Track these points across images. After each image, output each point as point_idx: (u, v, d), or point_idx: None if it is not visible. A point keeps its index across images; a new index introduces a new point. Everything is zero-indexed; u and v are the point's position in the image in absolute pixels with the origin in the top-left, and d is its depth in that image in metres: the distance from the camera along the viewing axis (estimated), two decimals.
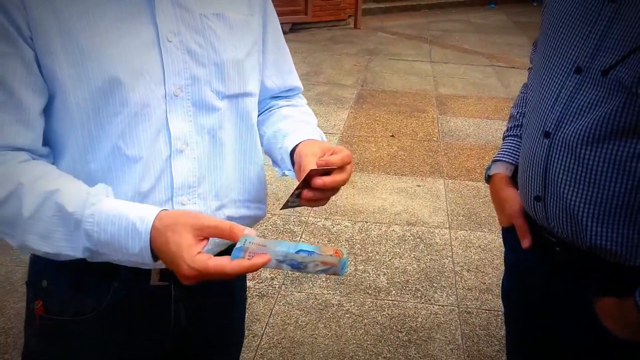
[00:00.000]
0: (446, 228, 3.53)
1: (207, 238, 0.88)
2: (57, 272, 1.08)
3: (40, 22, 0.90)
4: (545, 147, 1.15)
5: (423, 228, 3.52)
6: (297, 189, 0.96)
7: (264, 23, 1.17)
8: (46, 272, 1.10)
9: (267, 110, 1.27)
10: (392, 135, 4.93)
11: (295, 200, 0.98)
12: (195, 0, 1.03)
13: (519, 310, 1.44)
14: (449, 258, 3.22)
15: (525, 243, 1.28)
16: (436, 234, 3.46)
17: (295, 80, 1.30)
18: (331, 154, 1.01)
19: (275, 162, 1.20)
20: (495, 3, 12.20)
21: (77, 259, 0.93)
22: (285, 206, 1.00)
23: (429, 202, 3.84)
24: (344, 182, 0.99)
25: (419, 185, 4.07)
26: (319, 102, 5.67)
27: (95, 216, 0.88)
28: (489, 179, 1.43)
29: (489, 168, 1.44)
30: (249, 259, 0.85)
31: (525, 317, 1.41)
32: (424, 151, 4.64)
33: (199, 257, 0.85)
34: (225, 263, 0.85)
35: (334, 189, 0.99)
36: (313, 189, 0.96)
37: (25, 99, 0.93)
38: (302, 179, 0.95)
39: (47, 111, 0.98)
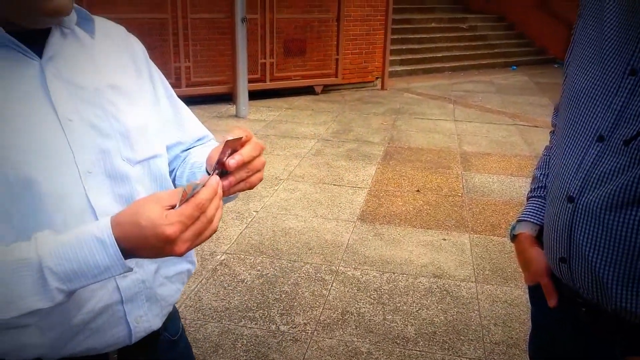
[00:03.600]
0: (472, 282, 3.47)
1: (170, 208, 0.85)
2: None
3: None
4: (569, 211, 1.15)
5: (449, 281, 3.47)
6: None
7: (151, 79, 1.14)
8: None
9: (182, 162, 1.21)
10: (418, 190, 4.92)
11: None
12: (85, 76, 0.99)
13: None
14: (476, 312, 3.15)
15: (552, 302, 1.26)
16: (462, 287, 3.40)
17: (200, 130, 1.25)
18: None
19: None
20: (517, 65, 12.27)
21: None
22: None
23: (455, 256, 3.79)
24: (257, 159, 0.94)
25: (444, 239, 4.03)
26: (348, 158, 5.72)
27: (51, 251, 0.81)
28: (514, 238, 1.42)
29: (513, 227, 1.43)
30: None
31: None
32: (448, 206, 4.61)
33: (169, 212, 0.82)
34: (195, 197, 0.82)
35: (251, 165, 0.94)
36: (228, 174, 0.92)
37: None
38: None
39: None
